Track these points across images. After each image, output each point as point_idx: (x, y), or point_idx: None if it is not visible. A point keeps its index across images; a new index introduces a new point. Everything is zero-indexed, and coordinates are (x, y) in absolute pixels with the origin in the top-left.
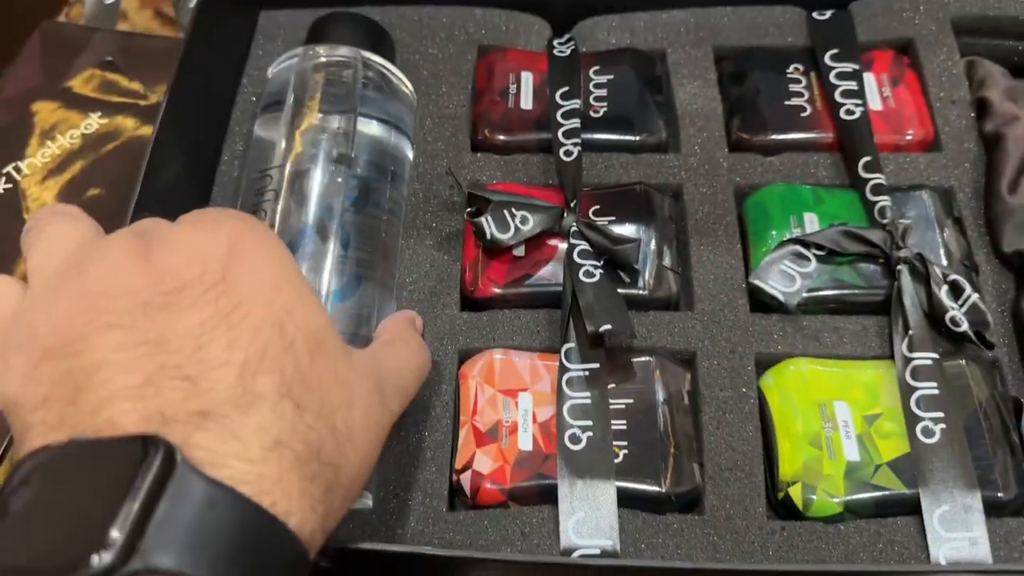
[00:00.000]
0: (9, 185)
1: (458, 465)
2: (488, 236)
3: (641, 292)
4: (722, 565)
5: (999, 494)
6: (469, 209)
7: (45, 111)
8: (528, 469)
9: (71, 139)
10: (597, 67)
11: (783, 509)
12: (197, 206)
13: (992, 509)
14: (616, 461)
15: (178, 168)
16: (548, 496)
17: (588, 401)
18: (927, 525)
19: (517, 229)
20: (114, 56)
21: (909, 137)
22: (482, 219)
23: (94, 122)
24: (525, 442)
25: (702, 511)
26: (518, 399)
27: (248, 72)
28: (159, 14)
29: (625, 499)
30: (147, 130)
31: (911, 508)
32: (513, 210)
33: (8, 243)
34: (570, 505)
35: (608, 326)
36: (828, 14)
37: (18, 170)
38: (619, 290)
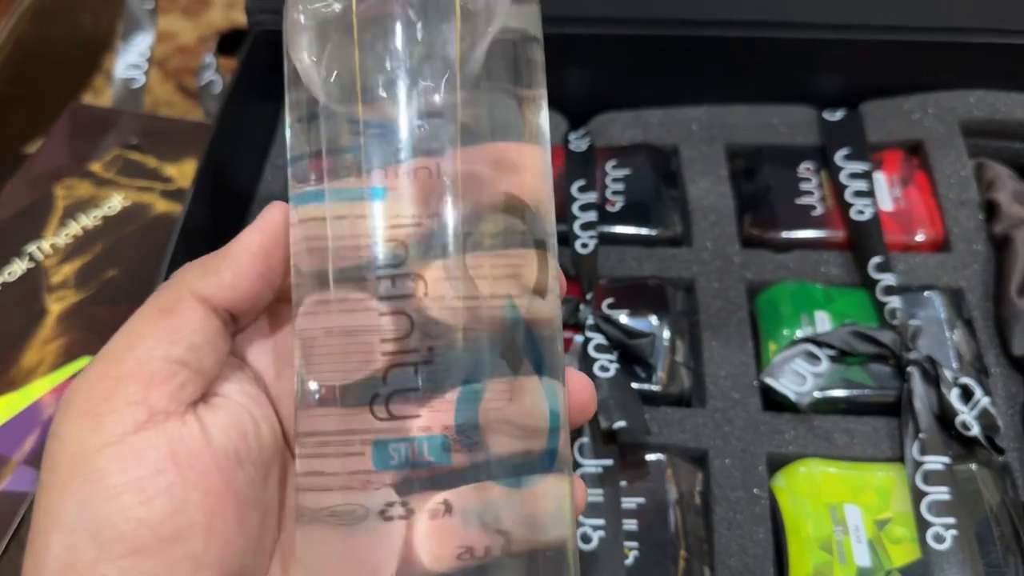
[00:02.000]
0: (32, 264)
1: None
2: None
3: (655, 387)
4: None
5: None
6: None
7: (69, 191)
8: None
9: (94, 219)
10: (614, 161)
11: None
12: None
13: None
14: (626, 563)
15: (197, 252)
16: None
17: (601, 499)
18: None
19: None
20: (139, 138)
21: (920, 238)
22: None
23: (117, 203)
24: None
25: None
26: None
27: (272, 160)
28: (181, 88)
29: None
30: (168, 212)
31: None
32: None
33: (29, 321)
34: None
35: (623, 423)
36: (839, 114)
37: (41, 249)
38: (633, 384)
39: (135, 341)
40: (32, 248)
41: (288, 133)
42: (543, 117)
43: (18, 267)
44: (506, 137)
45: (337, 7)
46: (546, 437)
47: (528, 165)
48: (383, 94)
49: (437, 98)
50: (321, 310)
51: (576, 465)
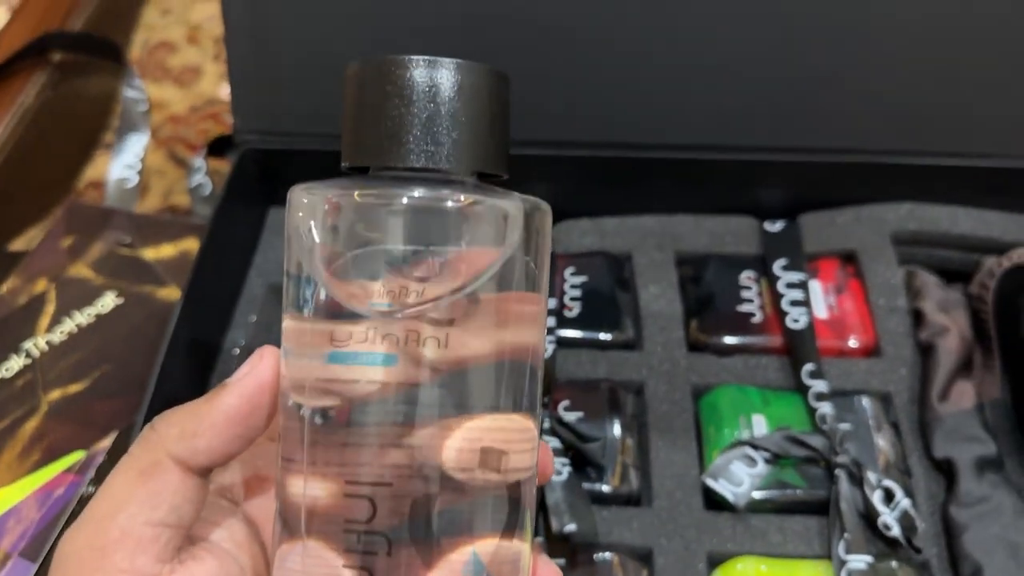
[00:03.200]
0: (28, 361)
1: None
2: None
3: (605, 488)
4: None
5: None
6: None
7: (63, 289)
8: None
9: (87, 317)
10: (572, 268)
11: None
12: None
13: None
14: None
15: (186, 352)
16: None
17: None
18: None
19: None
20: (132, 240)
21: (852, 344)
22: None
23: (109, 302)
24: None
25: None
26: None
27: (256, 264)
28: (173, 157)
29: None
30: (159, 309)
31: None
32: None
33: (24, 416)
34: None
35: (573, 527)
36: (779, 225)
37: (36, 346)
38: (584, 484)
39: (117, 507)
40: (28, 345)
41: (286, 266)
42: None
43: (15, 363)
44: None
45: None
46: None
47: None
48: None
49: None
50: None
51: None
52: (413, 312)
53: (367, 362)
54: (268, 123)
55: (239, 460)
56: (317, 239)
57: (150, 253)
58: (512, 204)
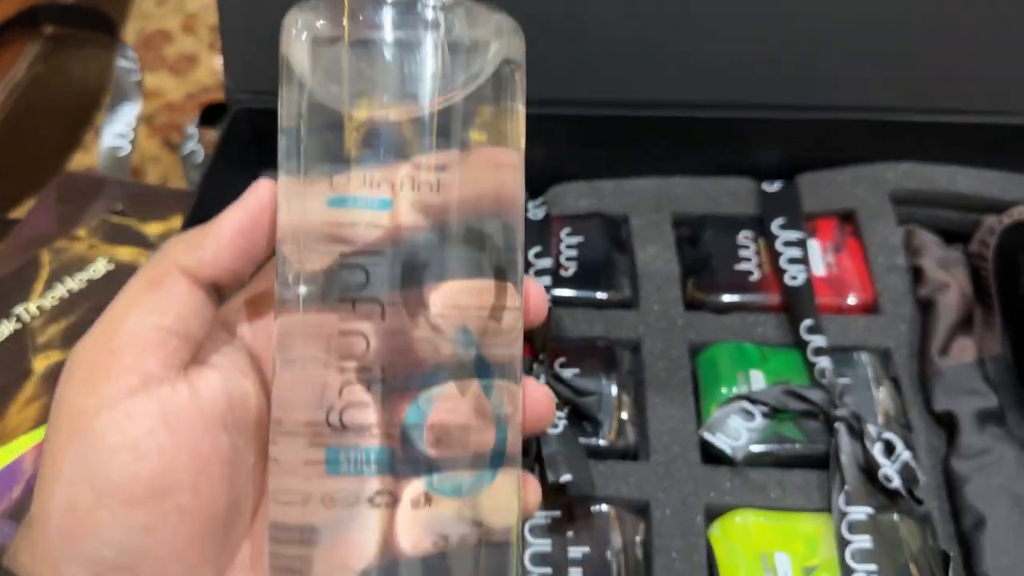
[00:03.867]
0: (18, 325)
1: None
2: None
3: (602, 442)
4: None
5: None
6: None
7: (55, 255)
8: None
9: (79, 282)
10: (568, 229)
11: None
12: None
13: None
14: None
15: None
16: None
17: (548, 548)
18: None
19: None
20: (124, 206)
21: (851, 301)
22: None
23: (101, 267)
24: None
25: None
26: None
27: None
28: (168, 144)
29: None
30: None
31: None
32: None
33: (15, 380)
34: None
35: (569, 477)
36: (776, 186)
37: (27, 311)
38: (581, 439)
39: (127, 313)
40: (19, 310)
41: (281, 122)
42: (522, 126)
43: (5, 328)
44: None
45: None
46: (494, 437)
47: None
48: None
49: (426, 108)
50: (291, 319)
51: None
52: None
53: (366, 206)
54: (261, 83)
55: (243, 300)
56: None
57: (142, 218)
58: (493, 13)
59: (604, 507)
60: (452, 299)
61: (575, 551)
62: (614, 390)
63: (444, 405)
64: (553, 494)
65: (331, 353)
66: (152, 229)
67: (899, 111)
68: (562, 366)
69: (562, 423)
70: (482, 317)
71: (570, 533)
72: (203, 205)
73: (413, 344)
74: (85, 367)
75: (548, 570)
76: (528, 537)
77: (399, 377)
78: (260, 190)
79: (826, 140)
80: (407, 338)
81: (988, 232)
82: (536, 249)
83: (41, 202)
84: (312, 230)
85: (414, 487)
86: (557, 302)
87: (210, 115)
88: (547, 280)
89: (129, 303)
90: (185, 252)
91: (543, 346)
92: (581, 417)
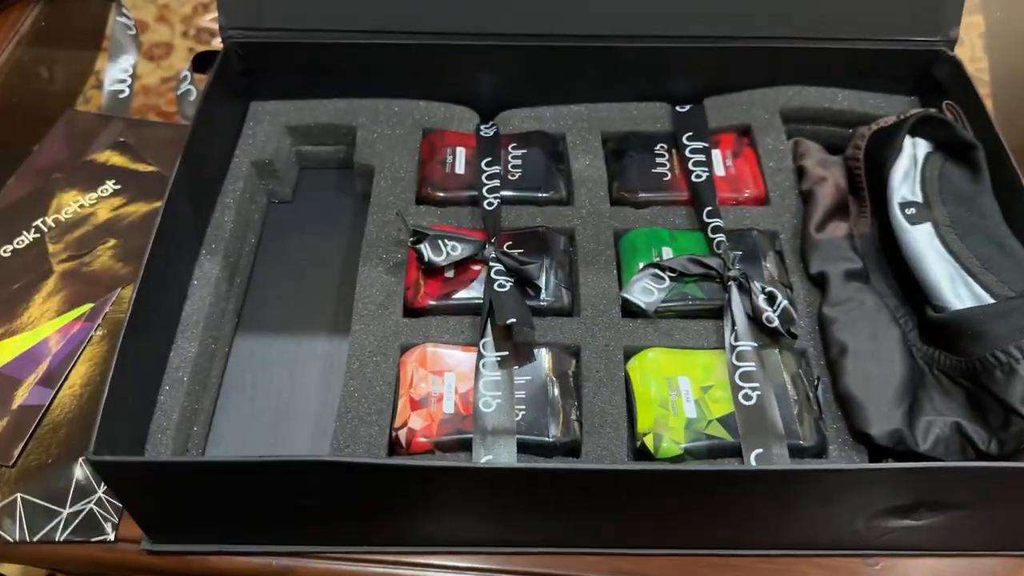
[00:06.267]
0: (37, 235)
1: (397, 424)
2: (426, 259)
3: (542, 303)
4: (594, 466)
5: (800, 442)
6: (412, 239)
7: (67, 176)
8: (450, 426)
9: (90, 200)
10: (514, 144)
11: (640, 454)
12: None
13: (796, 453)
14: (517, 420)
15: (183, 214)
16: (465, 446)
17: (498, 378)
18: (746, 464)
19: (448, 254)
20: (126, 138)
21: (746, 195)
22: (422, 246)
23: (109, 187)
24: (448, 407)
25: (580, 455)
26: (444, 377)
27: (240, 145)
28: (159, 112)
29: (523, 447)
30: (153, 195)
31: (735, 452)
32: (445, 240)
33: (38, 277)
34: (481, 451)
35: (513, 319)
36: (687, 108)
37: (44, 223)
38: (525, 301)
39: None
40: (37, 222)
41: None
42: None
43: (26, 238)
44: None
45: None
46: None
47: None
48: None
49: None
50: None
51: (481, 356)
52: None
53: None
54: (252, 19)
55: None
56: None
57: (145, 149)
58: None
59: (543, 350)
60: None
61: (520, 379)
62: (552, 265)
63: None
64: (503, 340)
65: None
66: (153, 156)
67: (788, 39)
68: (509, 248)
69: (509, 283)
70: None
71: (516, 367)
72: (198, 131)
73: None
74: None
75: (498, 393)
76: (482, 370)
77: None
78: None
79: (729, 69)
80: None
81: (860, 137)
82: (487, 160)
83: (51, 137)
84: None
85: None
86: (505, 201)
87: (202, 62)
88: (496, 183)
89: None
90: None
91: (494, 232)
92: (524, 283)
